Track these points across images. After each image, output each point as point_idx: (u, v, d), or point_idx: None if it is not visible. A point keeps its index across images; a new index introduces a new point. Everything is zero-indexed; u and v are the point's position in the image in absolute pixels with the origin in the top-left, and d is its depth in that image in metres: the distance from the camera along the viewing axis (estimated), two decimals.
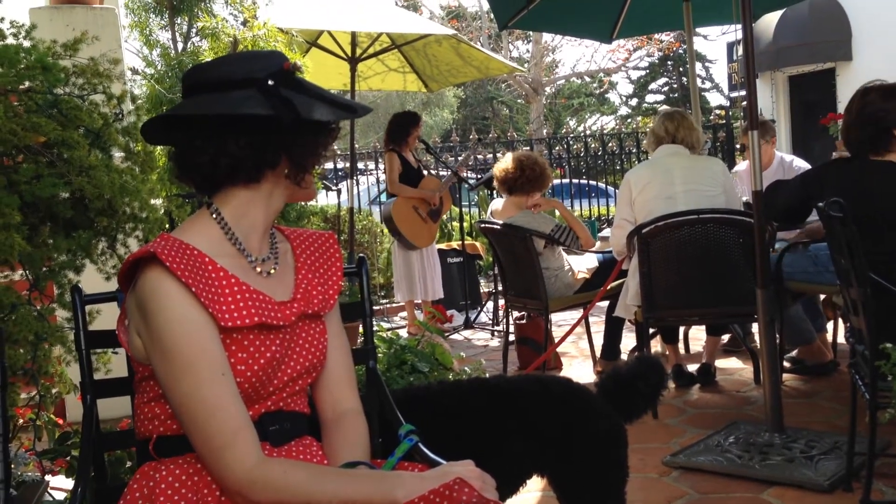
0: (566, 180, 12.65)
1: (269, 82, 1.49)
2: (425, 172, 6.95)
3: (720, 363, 4.90)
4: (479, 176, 9.90)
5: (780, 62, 13.02)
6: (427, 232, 6.69)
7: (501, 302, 6.20)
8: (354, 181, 7.36)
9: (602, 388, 2.32)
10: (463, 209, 8.17)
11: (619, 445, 2.22)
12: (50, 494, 2.45)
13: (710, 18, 6.37)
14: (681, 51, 25.02)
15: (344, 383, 1.68)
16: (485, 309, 7.56)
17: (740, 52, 12.75)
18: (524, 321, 5.41)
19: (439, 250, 7.24)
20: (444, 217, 8.84)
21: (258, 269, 1.57)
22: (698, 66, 27.32)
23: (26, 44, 2.34)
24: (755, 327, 4.53)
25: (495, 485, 1.47)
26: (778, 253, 4.18)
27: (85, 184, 2.18)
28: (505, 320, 5.55)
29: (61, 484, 2.59)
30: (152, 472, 1.49)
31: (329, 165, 11.13)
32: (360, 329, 2.07)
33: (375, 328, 3.31)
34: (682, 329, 5.25)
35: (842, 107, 11.26)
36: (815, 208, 2.97)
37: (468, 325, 7.05)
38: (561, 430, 2.14)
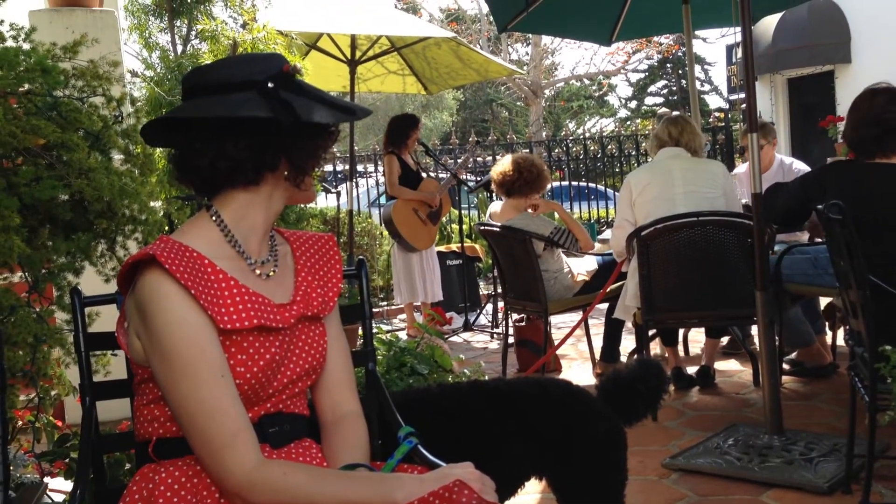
0: (565, 183, 12.65)
1: (269, 85, 1.49)
2: (424, 175, 6.95)
3: (719, 365, 4.90)
4: (478, 178, 9.91)
5: (780, 65, 13.03)
6: (427, 234, 6.69)
7: (501, 304, 6.20)
8: (354, 183, 7.37)
9: (602, 391, 2.32)
10: (462, 211, 8.17)
11: (618, 448, 2.22)
12: (49, 496, 2.45)
13: (710, 21, 6.37)
14: (680, 53, 25.04)
15: (343, 386, 1.68)
16: (484, 311, 7.56)
17: (739, 54, 12.76)
18: (523, 323, 5.41)
19: (439, 252, 7.24)
20: (444, 219, 8.84)
21: (258, 272, 1.57)
22: (697, 68, 27.33)
23: (26, 46, 2.34)
24: (754, 329, 4.53)
25: (494, 487, 1.47)
26: (777, 255, 4.18)
27: (84, 186, 2.18)
28: (504, 323, 5.55)
29: (60, 486, 2.59)
30: (152, 473, 1.49)
31: (328, 168, 11.13)
32: (360, 331, 2.07)
33: (375, 330, 3.32)
34: (681, 331, 5.25)
35: (841, 109, 11.30)
36: (815, 210, 2.97)
37: (467, 327, 7.05)
38: (560, 433, 2.14)
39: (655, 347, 5.20)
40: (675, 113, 5.44)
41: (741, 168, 5.86)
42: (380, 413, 1.90)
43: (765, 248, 3.50)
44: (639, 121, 25.68)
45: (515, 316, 5.46)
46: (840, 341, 4.85)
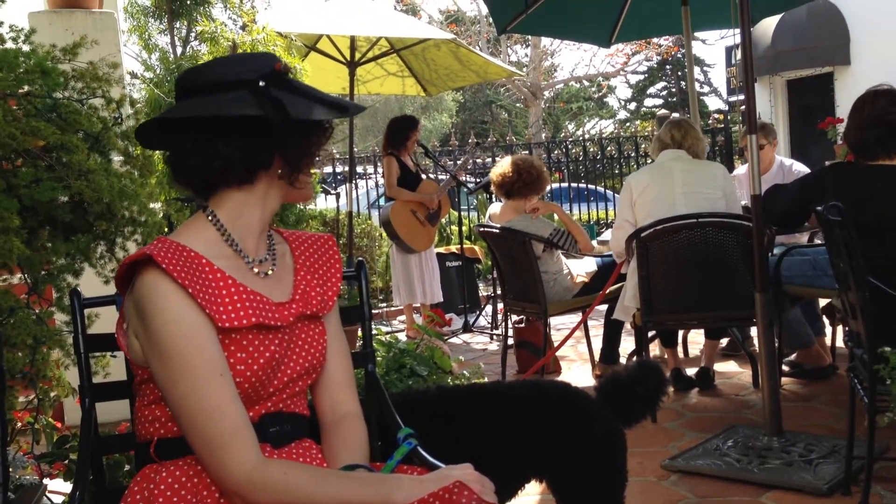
0: (565, 184, 12.65)
1: (260, 83, 1.49)
2: (424, 176, 6.96)
3: (719, 367, 4.90)
4: (477, 180, 9.91)
5: (779, 66, 13.03)
6: (425, 235, 6.69)
7: (500, 306, 6.20)
8: (353, 185, 7.37)
9: (601, 393, 2.32)
10: (462, 213, 8.18)
11: (617, 450, 2.22)
12: (48, 498, 2.45)
13: (709, 22, 6.38)
14: (679, 55, 25.04)
15: (343, 386, 1.68)
16: (484, 313, 7.56)
17: (739, 56, 12.76)
18: (523, 325, 5.41)
19: (438, 254, 7.24)
20: (443, 221, 8.84)
21: (255, 270, 1.57)
22: (697, 70, 27.36)
23: (25, 48, 2.34)
24: (754, 331, 4.53)
25: (494, 488, 1.48)
26: (777, 257, 4.18)
27: (84, 187, 2.18)
28: (504, 324, 5.55)
29: (59, 487, 2.59)
30: (153, 474, 1.49)
31: (328, 169, 11.13)
32: (360, 332, 2.07)
33: (374, 332, 3.31)
34: (680, 333, 5.25)
35: (840, 111, 11.29)
36: (814, 212, 2.97)
37: (467, 328, 7.06)
38: (560, 435, 2.14)
39: (655, 349, 5.20)
40: (675, 115, 5.45)
41: (741, 169, 5.86)
42: (379, 414, 1.90)
43: (764, 250, 3.50)
44: (638, 122, 25.69)
45: (515, 317, 5.46)
46: (839, 343, 4.85)
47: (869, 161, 3.13)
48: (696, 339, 5.45)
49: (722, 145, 12.39)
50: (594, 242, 5.52)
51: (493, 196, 6.05)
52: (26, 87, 2.26)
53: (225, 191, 1.55)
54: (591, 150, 13.34)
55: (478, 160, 11.65)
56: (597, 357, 5.17)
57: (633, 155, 12.75)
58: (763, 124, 5.28)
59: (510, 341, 5.40)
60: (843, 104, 11.46)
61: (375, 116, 24.59)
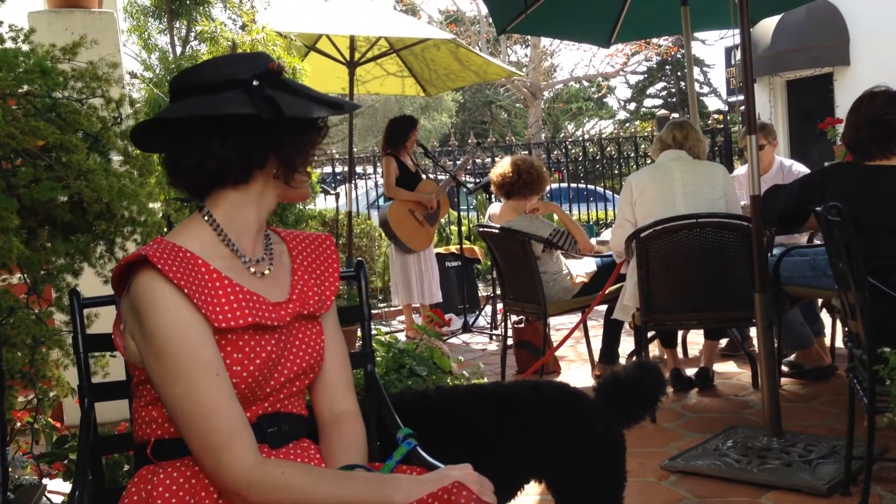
0: (564, 184, 12.66)
1: (254, 83, 1.49)
2: (424, 176, 6.95)
3: (718, 367, 4.90)
4: (477, 180, 9.92)
5: (778, 67, 13.03)
6: (424, 235, 6.69)
7: (500, 306, 6.20)
8: (353, 185, 7.37)
9: (600, 393, 2.32)
10: (461, 213, 8.18)
11: (616, 450, 2.22)
12: (47, 498, 2.45)
13: (709, 23, 6.38)
14: (679, 55, 25.05)
15: (341, 386, 1.68)
16: (483, 313, 7.56)
17: (738, 56, 12.77)
18: (522, 325, 5.41)
19: (438, 254, 7.24)
20: (443, 221, 8.84)
21: (252, 270, 1.57)
22: (696, 70, 27.27)
23: (25, 48, 2.34)
24: (753, 331, 4.53)
25: (493, 488, 1.48)
26: (776, 257, 4.18)
27: (83, 187, 2.18)
28: (503, 324, 5.55)
29: (59, 487, 2.59)
30: (150, 475, 1.49)
31: (328, 169, 11.13)
32: (359, 332, 2.07)
33: (374, 332, 3.32)
34: (680, 333, 5.25)
35: (839, 111, 11.29)
36: (814, 212, 2.97)
37: (466, 328, 7.06)
38: (558, 435, 2.14)
39: (654, 349, 5.20)
40: (675, 115, 5.45)
41: (741, 170, 5.86)
42: (378, 414, 1.90)
43: (764, 250, 3.50)
44: (638, 123, 25.70)
45: (514, 317, 5.46)
46: (839, 343, 4.85)
47: (866, 161, 3.13)
48: (696, 340, 5.45)
49: (721, 146, 12.39)
50: (593, 242, 5.52)
51: (493, 196, 6.05)
52: (26, 87, 2.26)
53: (220, 191, 1.55)
54: (591, 150, 13.34)
55: (477, 160, 11.65)
56: (596, 357, 5.17)
57: (632, 155, 12.76)
58: (763, 125, 5.28)
59: (510, 341, 5.40)
60: (843, 105, 11.45)
61: (375, 116, 24.60)
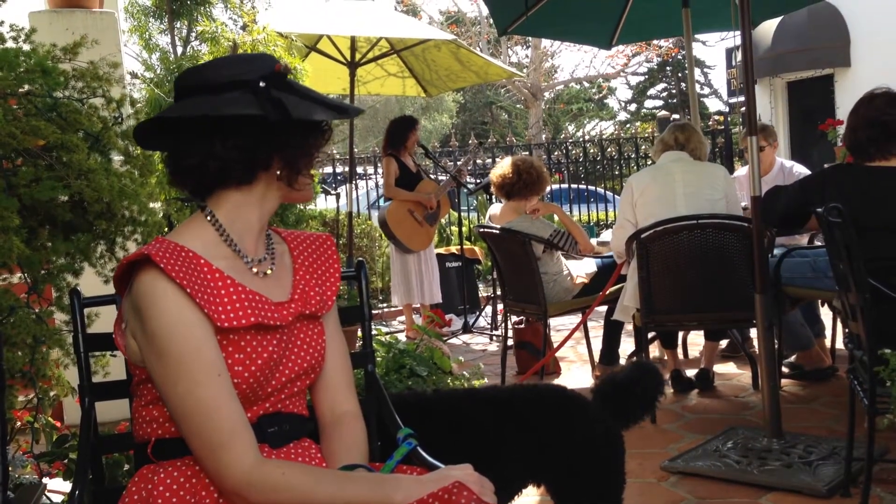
0: (565, 185, 12.66)
1: (261, 84, 1.49)
2: (425, 177, 6.95)
3: (718, 368, 4.90)
4: (477, 180, 9.92)
5: (779, 68, 13.03)
6: (423, 235, 6.69)
7: (500, 306, 6.20)
8: (353, 185, 7.37)
9: (598, 395, 2.32)
10: (462, 214, 8.18)
11: (615, 451, 2.22)
12: (47, 497, 2.45)
13: (710, 24, 6.38)
14: (680, 56, 25.06)
15: (342, 386, 1.68)
16: (483, 313, 7.56)
17: (739, 57, 12.77)
18: (523, 326, 5.41)
19: (438, 255, 7.24)
20: (443, 221, 8.84)
21: (254, 270, 1.57)
22: (697, 71, 27.30)
23: (26, 47, 2.34)
24: (753, 333, 4.53)
25: (493, 489, 1.47)
26: (777, 258, 4.18)
27: (84, 187, 2.18)
28: (503, 325, 5.55)
29: (59, 487, 2.59)
30: (150, 474, 1.49)
31: (328, 169, 11.13)
32: (359, 333, 2.07)
33: (374, 332, 3.32)
34: (680, 334, 5.25)
35: (840, 113, 11.29)
36: (815, 213, 2.97)
37: (467, 329, 7.05)
38: (556, 438, 2.14)
39: (655, 350, 5.20)
40: (675, 116, 5.46)
41: (741, 171, 5.86)
42: (379, 414, 1.90)
43: (764, 251, 3.50)
44: (638, 124, 25.68)
45: (514, 318, 5.46)
46: (839, 344, 4.85)
47: (866, 162, 3.13)
48: (696, 341, 5.45)
49: (722, 147, 12.39)
50: (594, 243, 5.52)
51: (493, 197, 6.05)
52: (27, 87, 2.26)
53: (223, 191, 1.55)
54: (592, 151, 13.35)
55: (478, 161, 11.65)
56: (596, 358, 5.17)
57: (633, 156, 12.77)
58: (763, 126, 5.28)
59: (510, 342, 5.40)
60: (844, 106, 11.45)
61: (375, 117, 24.60)
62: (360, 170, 11.40)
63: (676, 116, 16.46)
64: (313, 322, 1.63)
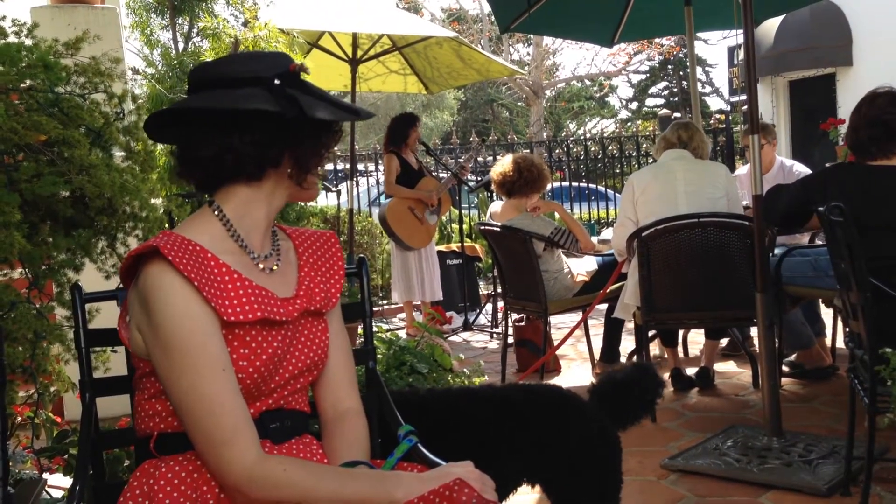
0: (566, 183, 12.65)
1: (276, 81, 1.49)
2: (426, 174, 6.95)
3: (719, 367, 4.90)
4: (478, 178, 9.91)
5: (781, 67, 13.02)
6: (423, 232, 6.69)
7: (500, 304, 6.20)
8: (354, 182, 7.37)
9: (595, 394, 2.32)
10: (463, 211, 8.18)
11: (612, 451, 2.21)
12: (47, 492, 2.45)
13: (712, 23, 6.37)
14: (681, 55, 25.05)
15: (345, 383, 1.68)
16: (484, 311, 7.56)
17: (741, 56, 12.75)
18: (523, 323, 5.41)
19: (439, 252, 7.24)
20: (444, 219, 8.84)
21: (261, 266, 1.57)
22: (699, 70, 27.32)
23: (28, 42, 2.34)
24: (754, 331, 4.53)
25: (494, 486, 1.48)
26: (777, 257, 4.18)
27: (85, 182, 2.18)
28: (504, 322, 5.55)
29: (59, 482, 2.59)
30: (152, 469, 1.49)
31: (329, 166, 11.12)
32: (360, 329, 2.07)
33: (375, 329, 3.32)
34: (681, 332, 5.25)
35: (842, 112, 11.28)
36: (816, 212, 2.97)
37: (467, 326, 7.06)
38: (553, 437, 2.14)
39: (655, 348, 5.20)
40: (677, 115, 5.45)
41: (742, 170, 5.86)
42: (380, 411, 1.90)
43: (765, 250, 3.50)
44: (639, 122, 25.69)
45: (515, 316, 5.46)
46: (840, 343, 4.85)
47: (867, 161, 3.13)
48: (697, 339, 5.45)
49: (723, 145, 12.38)
50: (594, 241, 5.52)
51: (494, 194, 6.04)
52: (28, 82, 2.26)
53: (232, 186, 1.55)
54: (593, 149, 13.33)
55: (479, 158, 11.65)
56: (597, 356, 5.17)
57: (634, 154, 12.75)
58: (763, 125, 5.28)
59: (510, 340, 5.40)
60: (845, 105, 11.45)
61: (377, 114, 24.57)
62: (360, 167, 11.38)
63: (678, 115, 16.46)
64: (317, 319, 1.64)
